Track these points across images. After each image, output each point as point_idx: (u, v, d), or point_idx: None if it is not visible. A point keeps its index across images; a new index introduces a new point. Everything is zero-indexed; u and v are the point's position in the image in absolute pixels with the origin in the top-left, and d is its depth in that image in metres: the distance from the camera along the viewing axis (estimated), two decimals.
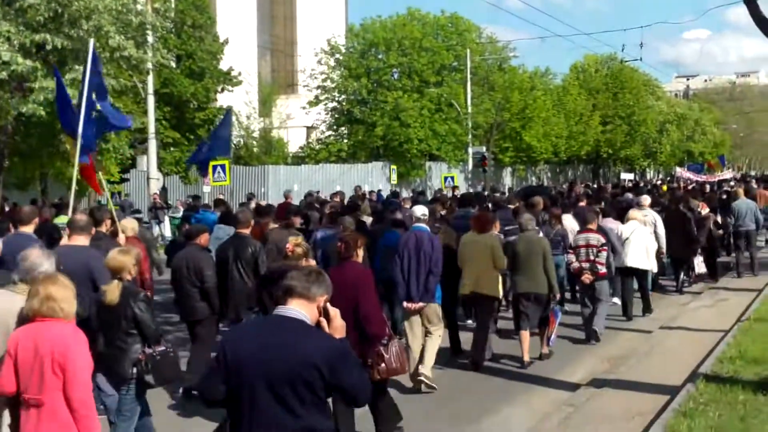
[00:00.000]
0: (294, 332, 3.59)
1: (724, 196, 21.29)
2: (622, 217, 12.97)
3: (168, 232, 24.72)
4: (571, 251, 11.23)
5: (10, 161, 21.21)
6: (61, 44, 17.73)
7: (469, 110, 42.16)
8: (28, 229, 8.16)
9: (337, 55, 42.64)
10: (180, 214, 24.80)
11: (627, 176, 55.87)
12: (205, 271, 8.33)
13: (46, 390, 4.39)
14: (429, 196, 25.04)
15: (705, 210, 16.11)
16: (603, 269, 10.86)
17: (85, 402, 4.43)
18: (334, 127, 43.45)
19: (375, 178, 39.09)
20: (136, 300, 5.96)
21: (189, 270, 8.38)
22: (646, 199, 14.77)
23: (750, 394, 7.47)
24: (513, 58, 49.76)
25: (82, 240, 7.24)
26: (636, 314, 12.38)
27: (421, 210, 9.41)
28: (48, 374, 4.38)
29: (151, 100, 25.37)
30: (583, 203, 15.85)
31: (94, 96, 10.35)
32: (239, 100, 36.56)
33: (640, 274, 12.52)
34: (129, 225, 9.76)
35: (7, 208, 21.05)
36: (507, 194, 26.64)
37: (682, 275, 14.82)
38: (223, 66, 33.89)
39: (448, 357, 9.69)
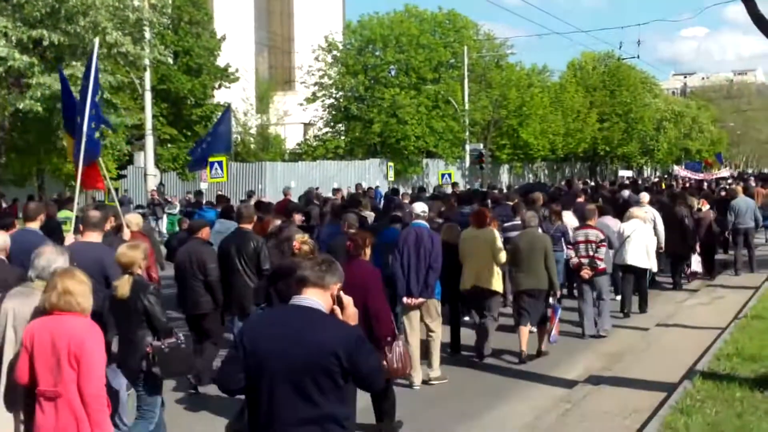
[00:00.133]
0: (311, 321, 3.64)
1: (723, 193, 21.32)
2: (620, 215, 12.97)
3: (165, 229, 24.67)
4: (570, 247, 11.26)
5: (7, 157, 21.21)
6: (58, 40, 17.72)
7: (467, 107, 42.20)
8: (35, 225, 8.21)
9: (335, 52, 42.64)
10: (176, 211, 24.82)
11: (625, 173, 55.92)
12: (208, 264, 8.39)
13: (62, 382, 4.43)
14: (427, 193, 25.05)
15: (705, 207, 16.13)
16: (602, 265, 10.90)
17: (97, 397, 4.46)
18: (332, 123, 43.47)
19: (372, 175, 39.08)
20: (146, 293, 6.00)
21: (192, 264, 8.44)
22: (645, 197, 14.81)
23: (747, 391, 7.50)
24: (510, 55, 49.89)
25: (95, 236, 7.26)
26: (633, 311, 12.42)
27: (420, 207, 9.49)
28: (65, 367, 4.41)
29: (148, 97, 25.34)
30: (581, 199, 15.86)
31: (97, 98, 10.32)
32: (236, 97, 36.50)
33: (640, 272, 12.54)
34: (134, 220, 9.79)
35: (4, 205, 21.07)
36: (505, 191, 26.63)
37: (681, 271, 14.85)
38: (221, 62, 33.88)
39: (447, 353, 9.71)
